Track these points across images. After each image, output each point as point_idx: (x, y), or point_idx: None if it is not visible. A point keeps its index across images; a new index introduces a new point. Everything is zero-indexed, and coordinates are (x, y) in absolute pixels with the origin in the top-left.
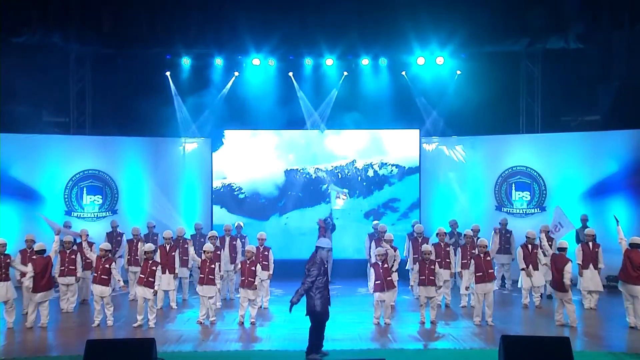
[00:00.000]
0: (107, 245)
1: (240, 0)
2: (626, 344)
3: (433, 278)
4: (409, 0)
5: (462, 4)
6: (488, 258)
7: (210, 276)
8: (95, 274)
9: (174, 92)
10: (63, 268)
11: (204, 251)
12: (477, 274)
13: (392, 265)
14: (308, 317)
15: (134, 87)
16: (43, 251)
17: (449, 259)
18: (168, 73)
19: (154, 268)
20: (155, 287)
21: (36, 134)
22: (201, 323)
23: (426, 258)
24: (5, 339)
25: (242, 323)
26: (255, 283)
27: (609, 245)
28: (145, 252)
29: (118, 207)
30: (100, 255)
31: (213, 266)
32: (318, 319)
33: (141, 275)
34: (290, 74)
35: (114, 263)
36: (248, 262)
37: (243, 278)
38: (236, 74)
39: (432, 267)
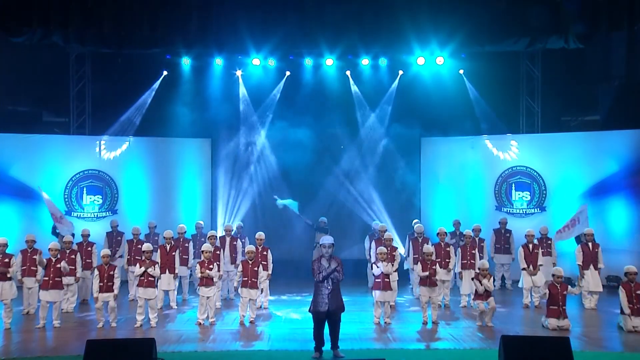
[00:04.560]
0: (107, 252)
1: (240, 0)
2: (626, 344)
3: (435, 278)
4: (409, 0)
5: (462, 4)
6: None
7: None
8: (102, 283)
9: (171, 92)
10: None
11: (203, 251)
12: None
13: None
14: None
15: (134, 87)
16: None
17: (449, 259)
18: (165, 73)
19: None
20: (156, 289)
21: (36, 134)
22: (200, 324)
23: (427, 259)
24: (4, 339)
25: (243, 323)
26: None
27: (609, 246)
28: (143, 251)
29: (118, 207)
30: (103, 263)
31: (212, 266)
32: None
33: (141, 278)
34: (288, 73)
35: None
36: (250, 262)
37: (246, 279)
38: (239, 72)
39: (434, 267)
